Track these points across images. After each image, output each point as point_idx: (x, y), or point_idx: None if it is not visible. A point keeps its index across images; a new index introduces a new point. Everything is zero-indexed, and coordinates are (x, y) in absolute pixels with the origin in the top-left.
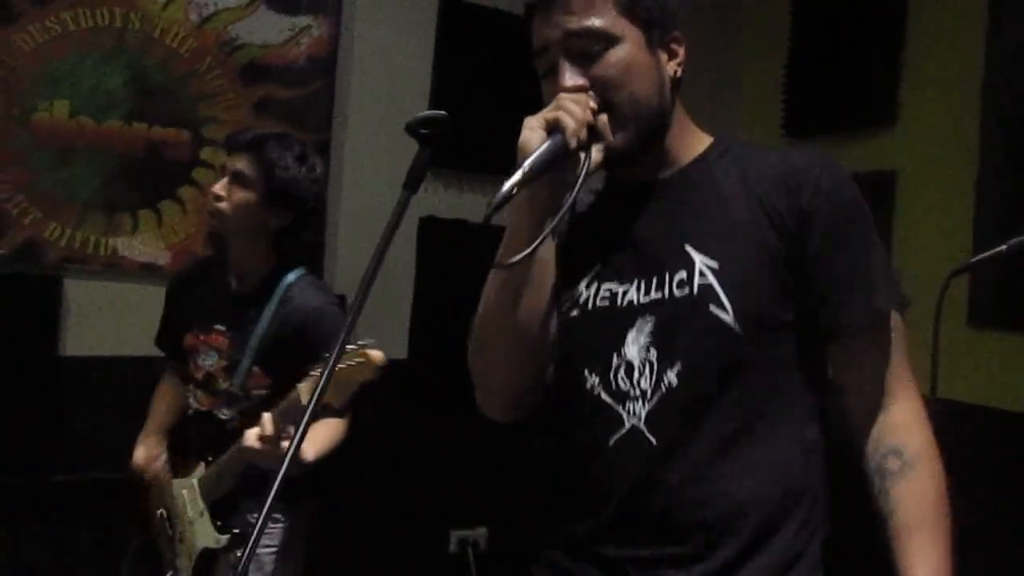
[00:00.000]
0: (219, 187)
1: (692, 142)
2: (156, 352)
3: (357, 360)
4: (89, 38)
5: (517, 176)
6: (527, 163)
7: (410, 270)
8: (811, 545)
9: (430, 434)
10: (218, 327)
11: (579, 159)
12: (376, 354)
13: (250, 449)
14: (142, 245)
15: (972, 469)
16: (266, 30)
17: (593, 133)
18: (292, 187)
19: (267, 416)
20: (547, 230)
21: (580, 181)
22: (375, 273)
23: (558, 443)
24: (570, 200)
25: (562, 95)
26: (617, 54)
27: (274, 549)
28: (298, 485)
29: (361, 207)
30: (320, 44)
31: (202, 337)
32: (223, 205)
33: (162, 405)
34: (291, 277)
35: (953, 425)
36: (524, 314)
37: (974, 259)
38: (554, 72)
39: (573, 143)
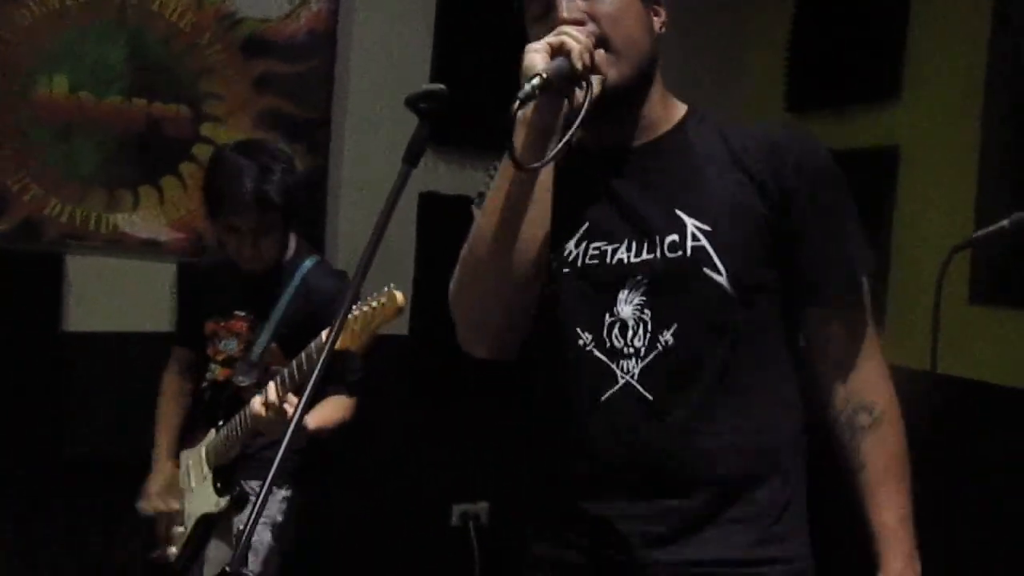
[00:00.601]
0: (246, 251)
1: (669, 109)
2: (158, 328)
3: (379, 302)
4: (88, 13)
5: (536, 80)
6: (544, 67)
7: (410, 246)
8: (797, 494)
9: (431, 410)
10: (238, 313)
11: (581, 86)
12: (398, 294)
13: (256, 415)
14: (143, 221)
15: (973, 445)
16: (266, 4)
17: (592, 64)
18: (297, 197)
19: (272, 383)
20: (565, 138)
21: (585, 106)
22: (375, 249)
23: (548, 398)
24: (579, 119)
25: (563, 26)
26: None
27: (267, 521)
28: (300, 461)
29: (361, 182)
30: (320, 19)
31: (223, 323)
32: (261, 260)
33: (171, 408)
34: (308, 264)
35: (954, 401)
36: (524, 237)
37: (976, 235)
38: (547, 14)
39: (579, 65)
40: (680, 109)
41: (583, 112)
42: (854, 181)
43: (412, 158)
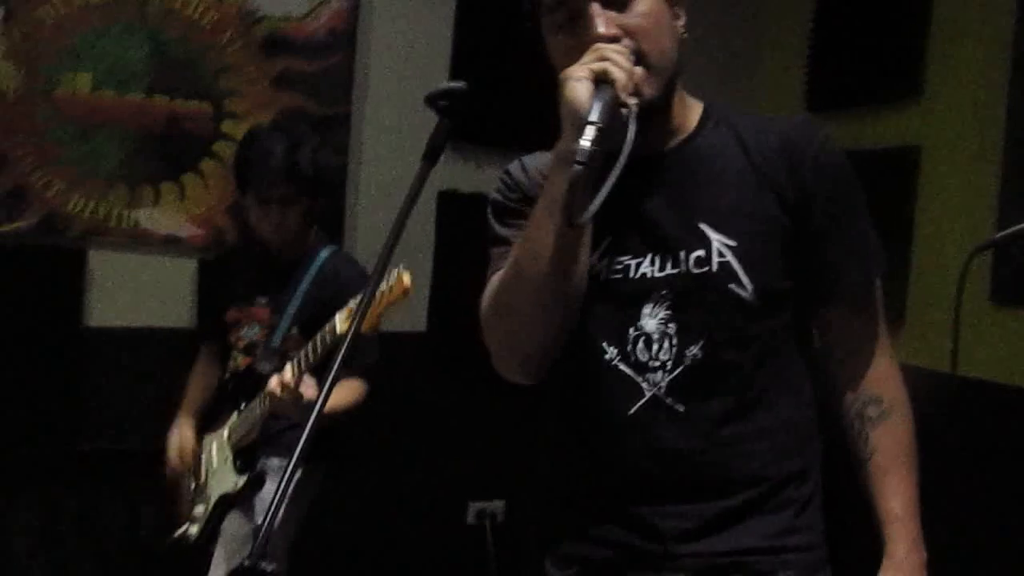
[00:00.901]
0: (271, 226)
1: (688, 112)
2: (177, 324)
3: (388, 284)
4: (110, 11)
5: (592, 134)
6: (595, 114)
7: (429, 243)
8: (816, 488)
9: (448, 406)
10: (259, 300)
11: (621, 115)
12: (406, 275)
13: (272, 395)
14: (164, 217)
15: (993, 446)
16: (286, 2)
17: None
18: (325, 172)
19: (288, 365)
20: (612, 180)
21: (631, 140)
22: (394, 245)
23: (572, 411)
24: (625, 153)
25: (600, 45)
26: (646, 2)
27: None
28: (311, 444)
29: (380, 180)
30: (340, 16)
31: (244, 311)
32: (288, 233)
33: (198, 387)
34: (326, 252)
35: (974, 402)
36: (574, 272)
37: (998, 235)
38: (573, 23)
39: (624, 97)
40: (696, 110)
41: (628, 145)
42: (875, 181)
43: (432, 155)
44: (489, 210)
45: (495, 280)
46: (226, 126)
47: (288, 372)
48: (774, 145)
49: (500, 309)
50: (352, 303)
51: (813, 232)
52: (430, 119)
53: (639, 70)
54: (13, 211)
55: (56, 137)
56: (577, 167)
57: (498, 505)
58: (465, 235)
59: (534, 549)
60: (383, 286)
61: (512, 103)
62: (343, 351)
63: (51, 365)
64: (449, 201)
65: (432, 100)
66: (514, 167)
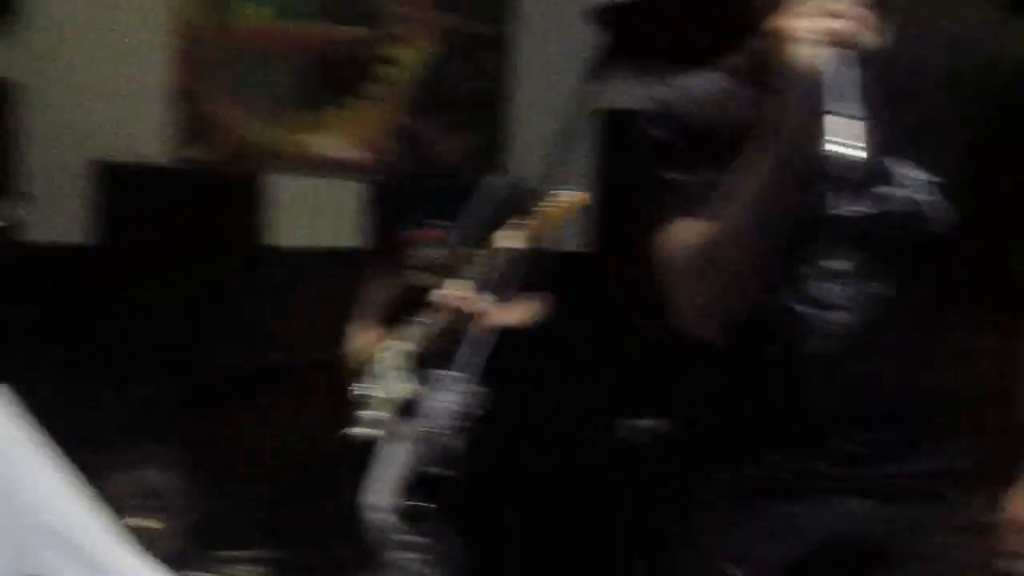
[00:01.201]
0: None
1: None
2: (350, 243)
3: (559, 199)
4: None
5: (847, 129)
6: (845, 106)
7: (590, 163)
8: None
9: (613, 326)
10: (433, 220)
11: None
12: (580, 192)
13: (445, 308)
14: (333, 141)
15: None
16: None
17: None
18: (490, 97)
19: (463, 282)
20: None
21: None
22: (559, 163)
23: (745, 350)
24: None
25: None
26: None
27: (453, 403)
28: (483, 360)
29: (538, 100)
30: None
31: (419, 230)
32: (453, 157)
33: (374, 301)
34: (491, 175)
35: None
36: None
37: None
38: None
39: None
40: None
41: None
42: None
43: (593, 75)
44: (645, 147)
45: (689, 236)
46: (391, 50)
47: (462, 289)
48: (964, 59)
49: (708, 269)
50: (525, 220)
51: (991, 160)
52: (589, 36)
53: (867, 14)
54: (195, 140)
55: (233, 67)
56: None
57: (656, 423)
58: (624, 154)
59: (694, 469)
60: (555, 201)
61: (675, 18)
62: (517, 268)
63: (234, 284)
64: (609, 120)
65: (593, 17)
66: (671, 95)
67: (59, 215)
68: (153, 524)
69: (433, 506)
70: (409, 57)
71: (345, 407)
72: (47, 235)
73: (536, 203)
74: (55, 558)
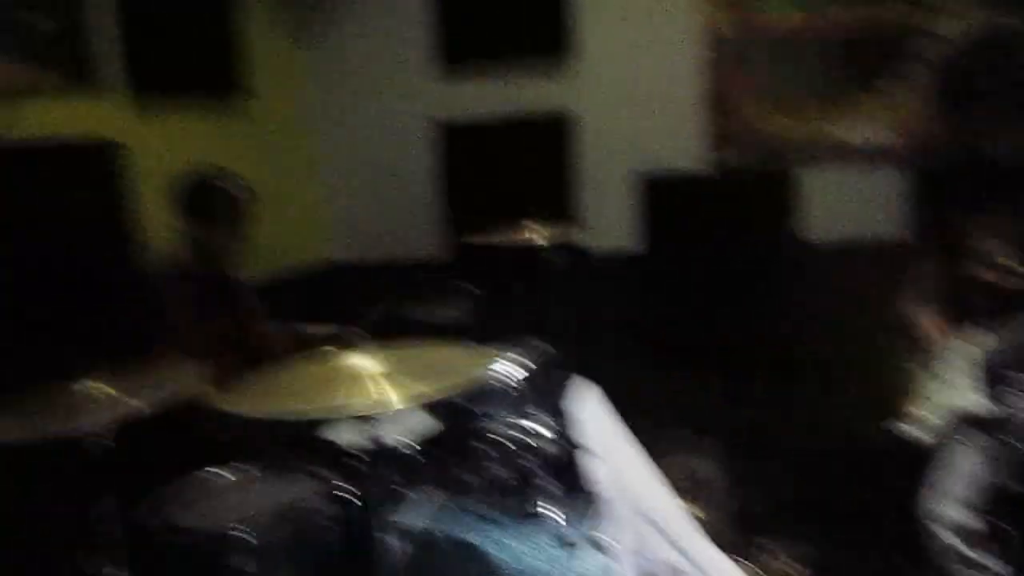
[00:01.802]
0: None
1: None
2: (888, 235)
3: None
4: None
5: None
6: None
7: None
8: None
9: None
10: (995, 209)
11: None
12: None
13: None
14: (862, 127)
15: None
16: None
17: None
18: None
19: None
20: None
21: None
22: None
23: None
24: None
25: None
26: None
27: None
28: None
29: None
30: None
31: (983, 221)
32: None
33: (934, 290)
34: None
35: None
36: None
37: None
38: None
39: None
40: None
41: None
42: None
43: None
44: None
45: None
46: (926, 19)
47: None
48: None
49: None
50: None
51: None
52: None
53: None
54: (727, 144)
55: (758, 66)
56: None
57: None
58: None
59: None
60: None
61: None
62: None
63: (772, 280)
64: None
65: None
66: None
67: (609, 227)
68: (697, 512)
69: (1016, 531)
70: (947, 27)
71: (886, 402)
72: (599, 243)
73: None
74: (660, 546)
